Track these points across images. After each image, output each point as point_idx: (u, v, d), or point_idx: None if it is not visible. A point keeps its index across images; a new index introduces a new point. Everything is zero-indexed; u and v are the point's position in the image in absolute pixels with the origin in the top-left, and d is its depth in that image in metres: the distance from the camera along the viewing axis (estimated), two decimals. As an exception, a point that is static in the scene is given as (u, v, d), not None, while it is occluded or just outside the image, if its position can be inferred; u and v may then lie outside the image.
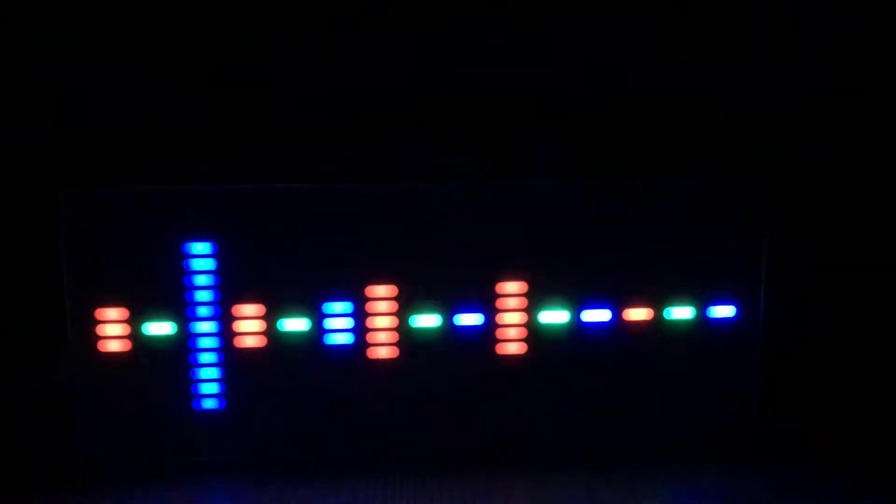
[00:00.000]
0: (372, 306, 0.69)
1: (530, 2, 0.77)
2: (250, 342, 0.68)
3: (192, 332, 0.68)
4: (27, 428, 0.74)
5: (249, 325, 0.68)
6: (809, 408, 0.78)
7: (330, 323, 0.68)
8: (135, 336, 0.67)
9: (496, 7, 0.77)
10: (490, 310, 0.69)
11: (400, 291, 0.68)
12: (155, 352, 0.68)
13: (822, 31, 0.78)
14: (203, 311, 0.68)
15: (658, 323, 0.70)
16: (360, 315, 0.69)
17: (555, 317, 0.70)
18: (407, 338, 0.69)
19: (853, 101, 0.80)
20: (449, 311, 0.69)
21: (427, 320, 0.69)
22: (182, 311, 0.67)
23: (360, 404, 0.69)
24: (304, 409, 0.69)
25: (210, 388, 0.68)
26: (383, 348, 0.69)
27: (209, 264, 0.67)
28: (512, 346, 0.70)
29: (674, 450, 0.71)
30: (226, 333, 0.68)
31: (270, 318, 0.68)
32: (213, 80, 0.76)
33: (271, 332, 0.68)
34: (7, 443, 0.72)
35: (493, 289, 0.69)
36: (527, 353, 0.70)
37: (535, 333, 0.70)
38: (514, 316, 0.70)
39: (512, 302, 0.69)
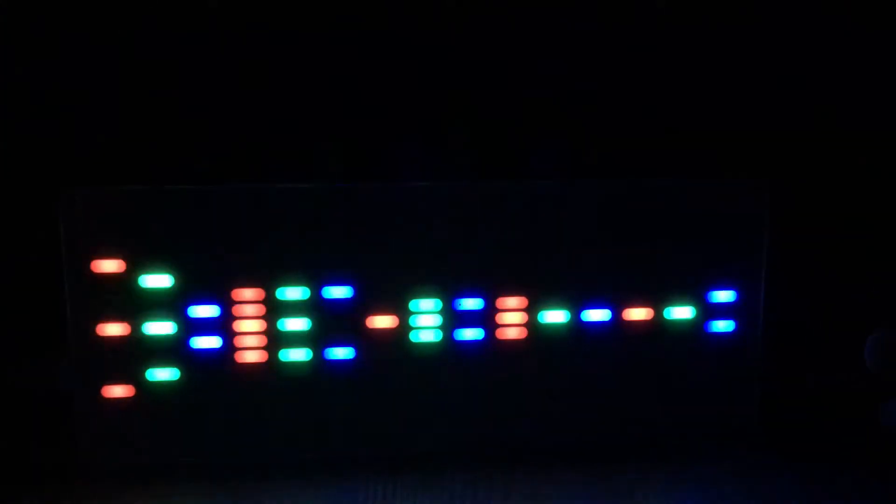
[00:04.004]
0: (371, 306, 0.69)
1: (530, 2, 0.77)
2: (250, 342, 0.68)
3: (192, 332, 0.68)
4: (27, 428, 0.74)
5: (250, 325, 0.68)
6: (809, 408, 0.78)
7: (329, 323, 0.68)
8: (135, 336, 0.67)
9: (496, 7, 0.77)
10: (490, 309, 0.69)
11: (399, 291, 0.68)
12: (155, 351, 0.68)
13: (821, 31, 0.78)
14: (203, 310, 0.67)
15: (658, 323, 0.70)
16: (360, 314, 0.68)
17: (555, 317, 0.70)
18: (406, 336, 0.69)
19: (853, 100, 0.80)
20: (448, 311, 0.69)
21: (427, 320, 0.69)
22: (182, 310, 0.67)
23: (359, 404, 0.69)
24: (304, 410, 0.69)
25: (211, 388, 0.68)
26: (384, 348, 0.69)
27: (209, 264, 0.67)
28: (512, 345, 0.70)
29: (674, 450, 0.71)
30: (226, 333, 0.68)
31: (270, 318, 0.68)
32: (212, 80, 0.76)
33: (271, 332, 0.68)
34: (7, 443, 0.72)
35: (493, 289, 0.69)
36: (527, 352, 0.70)
37: (535, 333, 0.70)
38: (514, 316, 0.70)
39: (512, 302, 0.69)
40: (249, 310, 0.68)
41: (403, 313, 0.69)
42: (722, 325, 0.71)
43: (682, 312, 0.70)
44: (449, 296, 0.69)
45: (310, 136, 0.77)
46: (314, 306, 0.68)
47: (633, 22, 0.78)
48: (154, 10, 0.75)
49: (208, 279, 0.67)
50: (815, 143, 0.80)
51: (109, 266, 0.66)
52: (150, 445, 0.69)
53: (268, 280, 0.68)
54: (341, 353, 0.69)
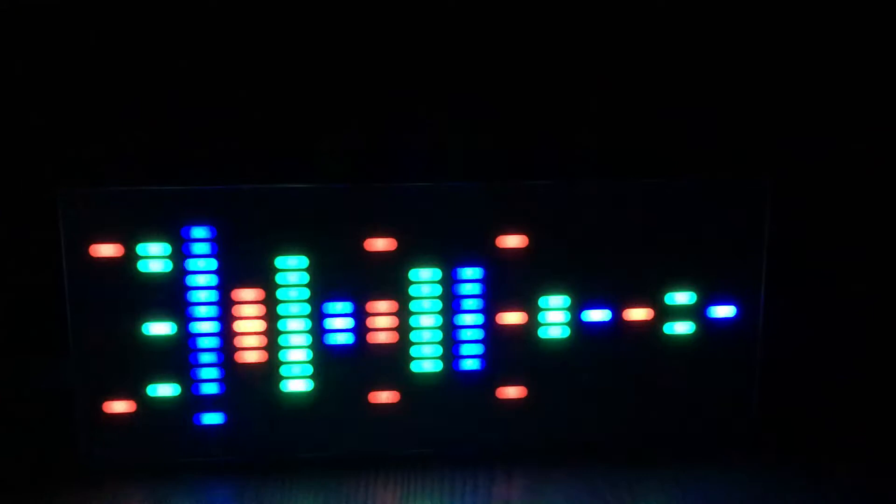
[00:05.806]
0: (372, 306, 0.69)
1: (530, 3, 0.77)
2: (250, 342, 0.68)
3: (192, 332, 0.68)
4: (27, 428, 0.74)
5: (250, 325, 0.68)
6: (809, 407, 0.78)
7: (330, 323, 0.68)
8: (135, 336, 0.67)
9: (496, 7, 0.77)
10: (490, 309, 0.69)
11: (400, 290, 0.68)
12: (155, 352, 0.68)
13: (820, 30, 0.78)
14: (203, 311, 0.68)
15: (658, 323, 0.70)
16: (360, 315, 0.69)
17: (555, 317, 0.70)
18: (407, 337, 0.69)
19: (853, 99, 0.80)
20: (448, 311, 0.69)
21: (427, 320, 0.69)
22: (182, 311, 0.67)
23: (358, 404, 0.70)
24: (304, 409, 0.69)
25: (210, 388, 0.68)
26: (383, 348, 0.69)
27: (209, 264, 0.67)
28: (512, 345, 0.70)
29: (674, 449, 0.71)
30: (226, 333, 0.68)
31: (270, 318, 0.68)
32: (212, 79, 0.76)
33: (271, 333, 0.68)
34: (7, 443, 0.72)
35: (493, 289, 0.69)
36: (527, 352, 0.70)
37: (535, 333, 0.70)
38: (515, 316, 0.69)
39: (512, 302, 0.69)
40: (249, 310, 0.68)
41: (403, 313, 0.69)
42: (722, 325, 0.71)
43: (681, 313, 0.70)
44: (449, 296, 0.69)
45: (310, 135, 0.77)
46: (314, 307, 0.68)
47: (632, 22, 0.78)
48: (154, 9, 0.75)
49: (208, 278, 0.67)
50: (816, 140, 0.80)
51: (110, 266, 0.66)
52: (150, 445, 0.69)
53: (268, 280, 0.68)
54: (341, 353, 0.69)
